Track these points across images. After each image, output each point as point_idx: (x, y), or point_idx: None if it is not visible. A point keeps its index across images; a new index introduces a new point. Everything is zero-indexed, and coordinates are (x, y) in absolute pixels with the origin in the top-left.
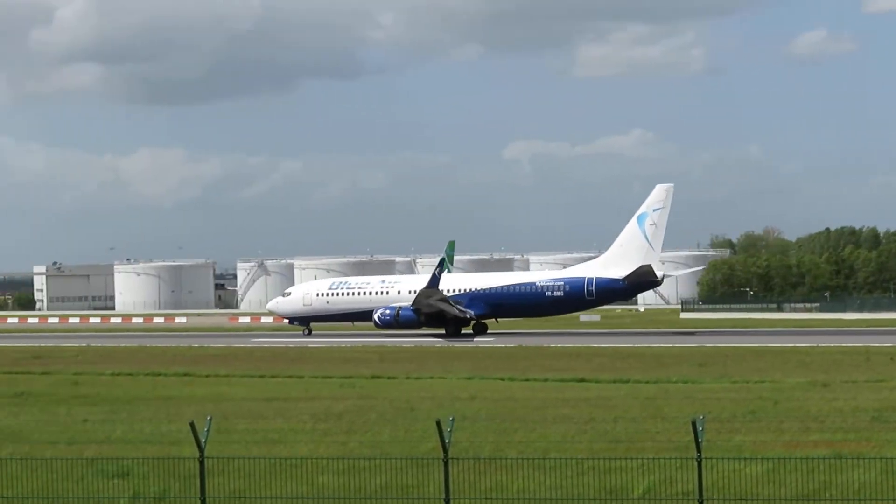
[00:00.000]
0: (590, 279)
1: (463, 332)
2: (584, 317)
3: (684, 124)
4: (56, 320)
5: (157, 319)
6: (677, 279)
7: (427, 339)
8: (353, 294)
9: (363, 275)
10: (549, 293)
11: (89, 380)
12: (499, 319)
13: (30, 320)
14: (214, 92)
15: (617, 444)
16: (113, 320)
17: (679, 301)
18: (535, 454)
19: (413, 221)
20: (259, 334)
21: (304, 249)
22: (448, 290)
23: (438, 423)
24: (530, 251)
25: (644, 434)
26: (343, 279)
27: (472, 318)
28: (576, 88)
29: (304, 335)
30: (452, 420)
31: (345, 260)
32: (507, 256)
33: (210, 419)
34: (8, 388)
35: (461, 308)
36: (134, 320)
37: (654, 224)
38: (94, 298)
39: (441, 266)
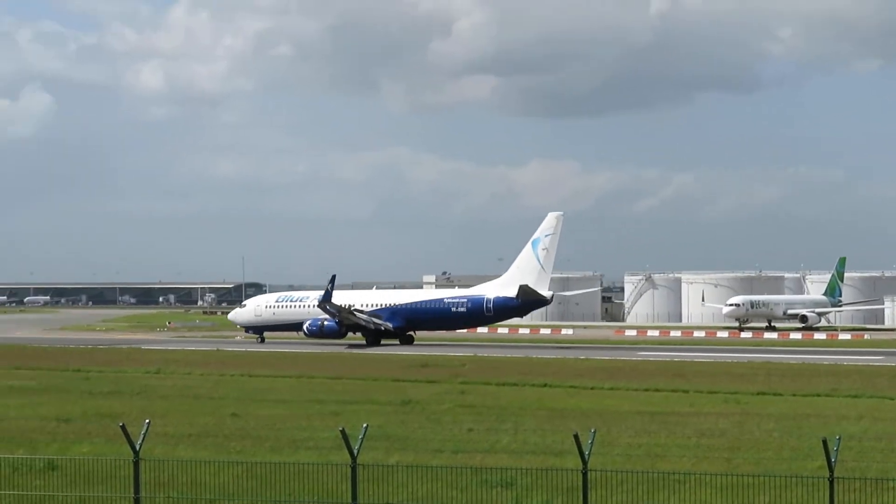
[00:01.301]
0: (488, 298)
1: (385, 342)
2: None
3: None
4: None
5: (543, 331)
6: None
7: (805, 356)
8: (294, 307)
9: (751, 290)
10: (455, 309)
11: (475, 389)
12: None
13: None
14: (609, 104)
15: None
16: (500, 331)
17: None
18: None
19: (804, 237)
20: (645, 348)
21: (692, 263)
22: (370, 305)
23: (825, 442)
24: None
25: None
26: (287, 294)
27: (388, 330)
28: None
29: (257, 342)
30: (839, 439)
31: (732, 275)
32: None
33: (594, 432)
34: (395, 396)
35: (376, 321)
36: (520, 331)
37: (546, 249)
38: None
39: (332, 282)
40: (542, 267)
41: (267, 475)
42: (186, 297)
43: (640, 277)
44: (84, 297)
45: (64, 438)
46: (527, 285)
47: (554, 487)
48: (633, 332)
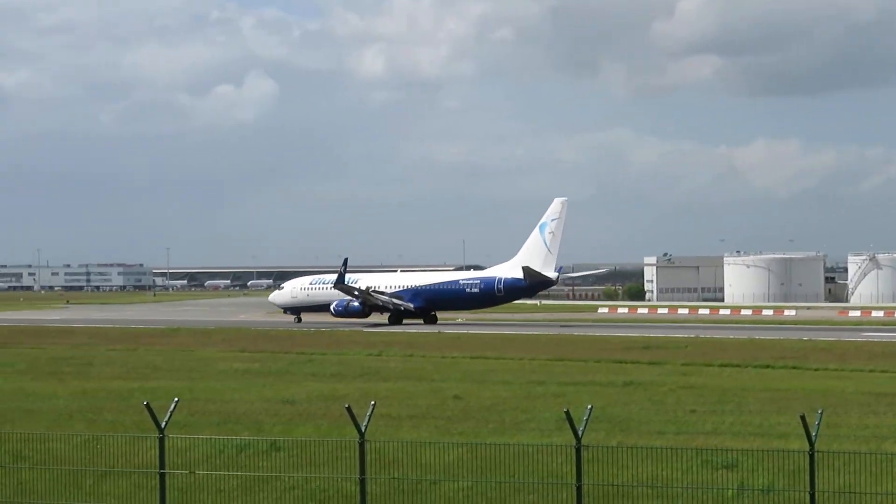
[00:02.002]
0: (499, 279)
1: (408, 321)
2: None
3: None
4: (665, 311)
5: (765, 312)
6: None
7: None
8: (325, 289)
9: None
10: (469, 290)
11: (697, 370)
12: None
13: (639, 310)
14: (832, 83)
15: None
16: (721, 312)
17: None
18: None
19: None
20: (869, 328)
21: None
22: (392, 287)
23: None
24: None
25: None
26: (321, 276)
27: (409, 310)
28: None
29: (295, 322)
30: None
31: None
32: None
33: (821, 413)
34: (617, 377)
35: (396, 302)
36: (742, 312)
37: (553, 232)
38: (703, 290)
39: (345, 265)
40: (549, 250)
41: (490, 456)
42: None
43: (864, 257)
44: None
45: (288, 420)
46: (528, 267)
47: (778, 469)
48: (856, 313)
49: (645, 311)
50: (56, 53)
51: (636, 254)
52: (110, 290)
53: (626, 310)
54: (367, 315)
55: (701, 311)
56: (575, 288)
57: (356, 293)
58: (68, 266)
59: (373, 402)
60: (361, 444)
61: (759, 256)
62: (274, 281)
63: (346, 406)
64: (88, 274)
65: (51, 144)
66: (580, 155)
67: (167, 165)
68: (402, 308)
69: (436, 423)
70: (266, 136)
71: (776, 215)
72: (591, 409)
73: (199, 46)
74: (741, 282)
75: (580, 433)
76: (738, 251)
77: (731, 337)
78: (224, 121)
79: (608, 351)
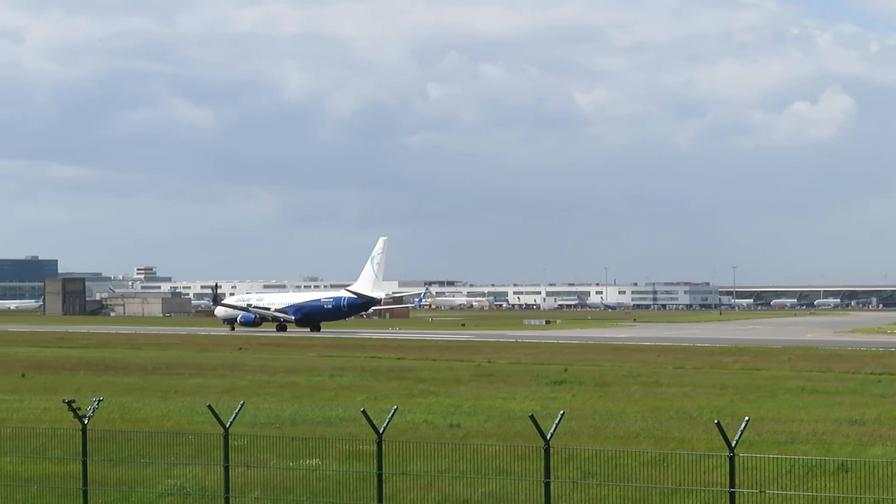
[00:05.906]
0: (344, 298)
1: (293, 330)
2: None
3: None
4: None
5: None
6: None
7: None
8: (241, 306)
9: None
10: (326, 306)
11: None
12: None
13: None
14: None
15: None
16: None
17: None
18: None
19: None
20: None
21: None
22: (281, 304)
23: None
24: None
25: None
26: (246, 295)
27: (290, 321)
28: None
29: (230, 331)
30: None
31: None
32: None
33: None
34: None
35: (276, 315)
36: None
37: (379, 263)
38: None
39: (215, 289)
40: (376, 276)
41: None
42: None
43: None
44: (874, 300)
45: (857, 441)
46: (352, 290)
47: None
48: None
49: None
50: (632, 72)
51: None
52: (676, 309)
53: None
54: (258, 325)
55: None
56: None
57: (247, 309)
58: (635, 284)
59: None
60: None
61: None
62: (841, 300)
63: None
64: (655, 292)
65: (624, 163)
66: None
67: (738, 184)
68: (283, 320)
69: None
70: (843, 152)
71: None
72: None
73: (775, 63)
74: None
75: None
76: None
77: None
78: (798, 139)
79: None
